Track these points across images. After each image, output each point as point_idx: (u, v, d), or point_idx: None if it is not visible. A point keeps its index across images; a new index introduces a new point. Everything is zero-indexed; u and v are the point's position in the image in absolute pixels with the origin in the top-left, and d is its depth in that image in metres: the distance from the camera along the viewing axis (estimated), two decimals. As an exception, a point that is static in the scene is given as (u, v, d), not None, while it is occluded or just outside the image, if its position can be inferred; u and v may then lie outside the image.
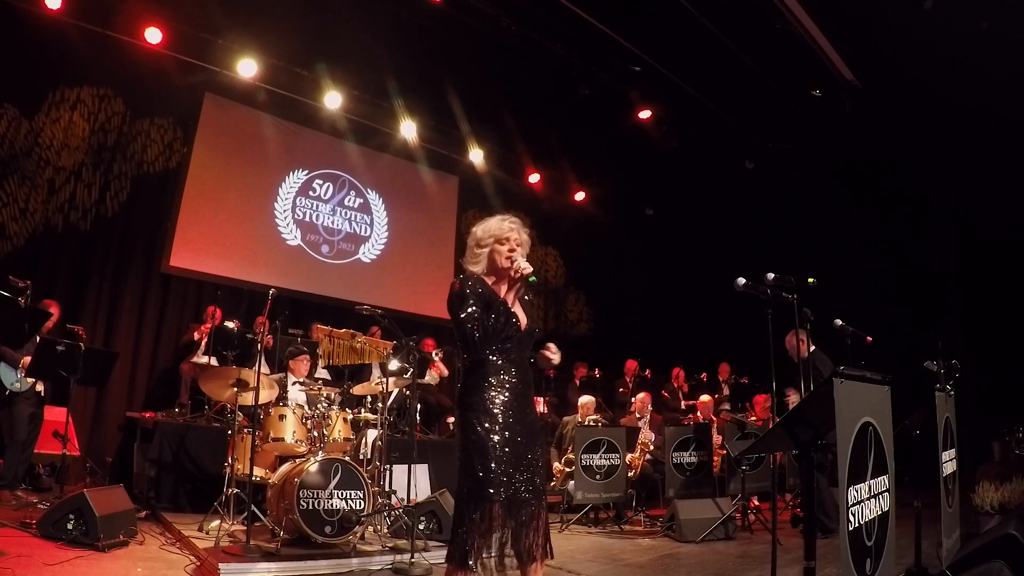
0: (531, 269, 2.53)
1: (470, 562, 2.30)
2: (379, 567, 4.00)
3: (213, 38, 7.32)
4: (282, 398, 4.94)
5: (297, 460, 4.50)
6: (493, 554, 2.41)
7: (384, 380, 5.18)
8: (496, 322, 2.48)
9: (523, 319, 2.61)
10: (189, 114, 7.85)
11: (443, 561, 2.43)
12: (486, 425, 2.40)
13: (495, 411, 2.42)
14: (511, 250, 2.58)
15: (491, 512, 2.32)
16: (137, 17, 6.93)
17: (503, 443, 2.39)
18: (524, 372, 2.55)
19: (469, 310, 2.45)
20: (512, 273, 2.53)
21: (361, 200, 9.34)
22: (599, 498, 6.02)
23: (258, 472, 4.54)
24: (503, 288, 2.60)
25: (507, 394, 2.46)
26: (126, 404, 6.99)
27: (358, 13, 7.49)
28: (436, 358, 7.81)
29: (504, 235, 2.60)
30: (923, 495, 3.84)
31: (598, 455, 6.00)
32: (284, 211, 8.58)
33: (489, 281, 2.60)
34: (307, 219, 8.79)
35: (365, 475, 4.40)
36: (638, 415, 7.30)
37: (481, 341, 2.46)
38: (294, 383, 5.22)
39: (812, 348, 5.45)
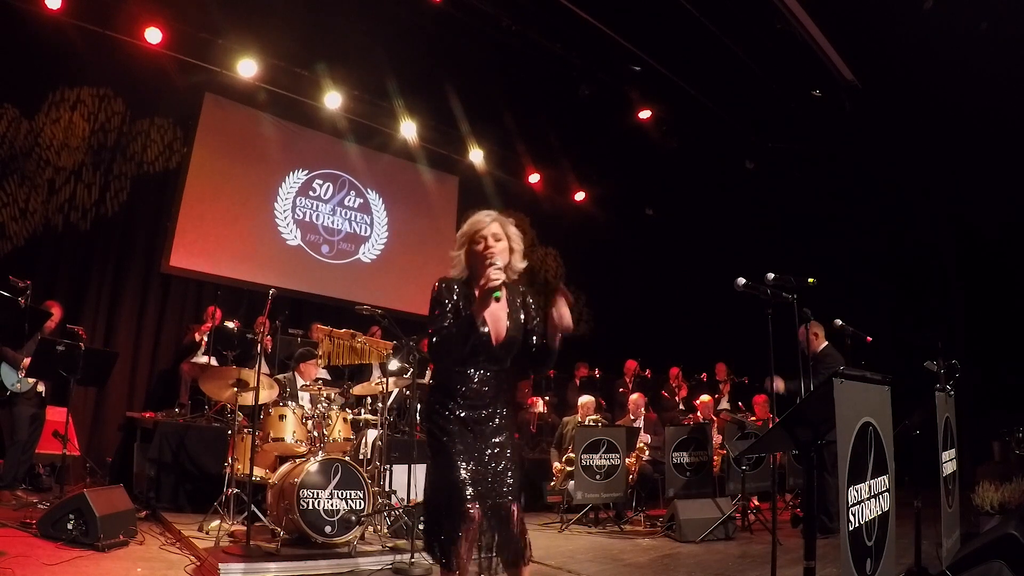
0: (500, 281, 2.29)
1: (456, 568, 2.26)
2: (379, 567, 3.99)
3: (213, 38, 7.32)
4: (289, 398, 4.94)
5: (297, 460, 4.50)
6: (490, 555, 2.40)
7: (384, 380, 5.18)
8: (459, 333, 2.31)
9: (497, 330, 2.40)
10: (189, 114, 7.85)
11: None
12: (446, 437, 2.34)
13: (453, 422, 2.35)
14: (487, 248, 2.38)
15: (468, 517, 2.26)
16: (137, 17, 6.94)
17: (467, 451, 2.34)
18: (494, 385, 2.42)
19: (436, 318, 2.34)
20: (481, 281, 2.32)
21: (361, 200, 9.34)
22: (599, 498, 6.02)
23: (258, 472, 4.55)
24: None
25: (468, 408, 2.38)
26: (126, 404, 6.99)
27: (358, 13, 7.49)
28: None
29: (476, 232, 2.41)
30: (923, 495, 3.84)
31: (598, 455, 6.00)
32: (284, 211, 8.58)
33: (475, 286, 2.42)
34: (307, 219, 8.79)
35: (365, 475, 4.40)
36: (632, 416, 7.29)
37: (440, 352, 2.35)
38: (302, 386, 5.21)
39: (824, 344, 5.48)
